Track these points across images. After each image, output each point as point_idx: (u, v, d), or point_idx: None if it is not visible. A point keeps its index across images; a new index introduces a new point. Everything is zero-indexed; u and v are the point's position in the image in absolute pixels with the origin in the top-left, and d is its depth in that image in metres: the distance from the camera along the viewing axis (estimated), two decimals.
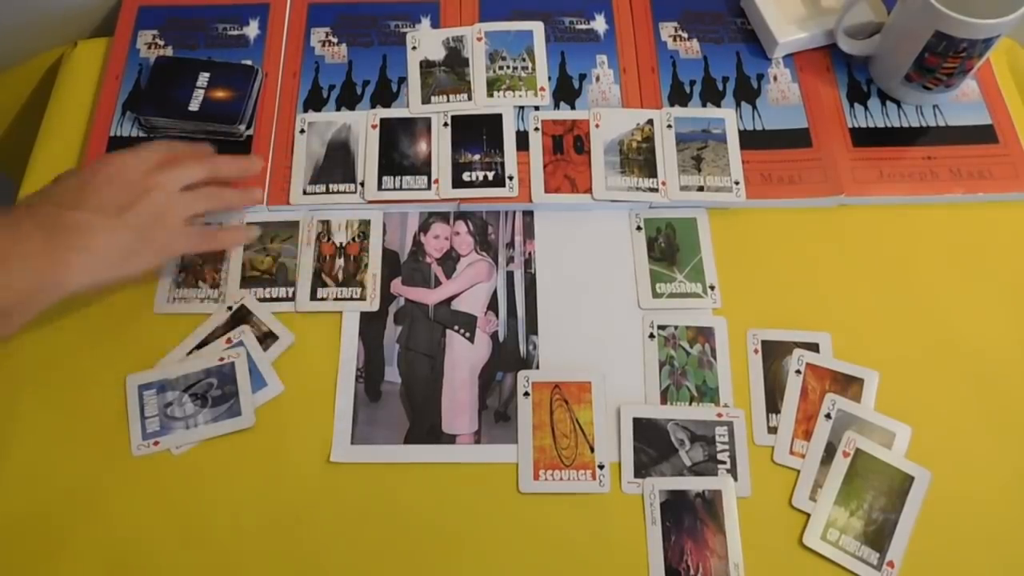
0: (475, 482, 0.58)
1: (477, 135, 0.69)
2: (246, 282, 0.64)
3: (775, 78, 0.72)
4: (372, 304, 0.64)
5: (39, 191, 0.56)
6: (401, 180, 0.67)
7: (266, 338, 0.62)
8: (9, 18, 0.76)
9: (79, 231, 0.52)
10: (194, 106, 0.68)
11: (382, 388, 0.61)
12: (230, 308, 0.63)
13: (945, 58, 0.64)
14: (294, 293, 0.64)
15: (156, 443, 0.58)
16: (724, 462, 0.58)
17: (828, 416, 0.59)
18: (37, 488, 0.57)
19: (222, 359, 0.61)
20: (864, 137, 0.69)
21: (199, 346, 0.62)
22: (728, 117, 0.70)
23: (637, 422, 0.59)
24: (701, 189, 0.67)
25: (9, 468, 0.58)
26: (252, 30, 0.74)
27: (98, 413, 0.60)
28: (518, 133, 0.69)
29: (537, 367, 0.62)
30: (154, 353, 0.61)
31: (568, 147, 0.69)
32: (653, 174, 0.67)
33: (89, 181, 0.55)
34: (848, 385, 0.61)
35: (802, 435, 0.59)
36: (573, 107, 0.71)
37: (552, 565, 0.56)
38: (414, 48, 0.73)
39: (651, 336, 0.63)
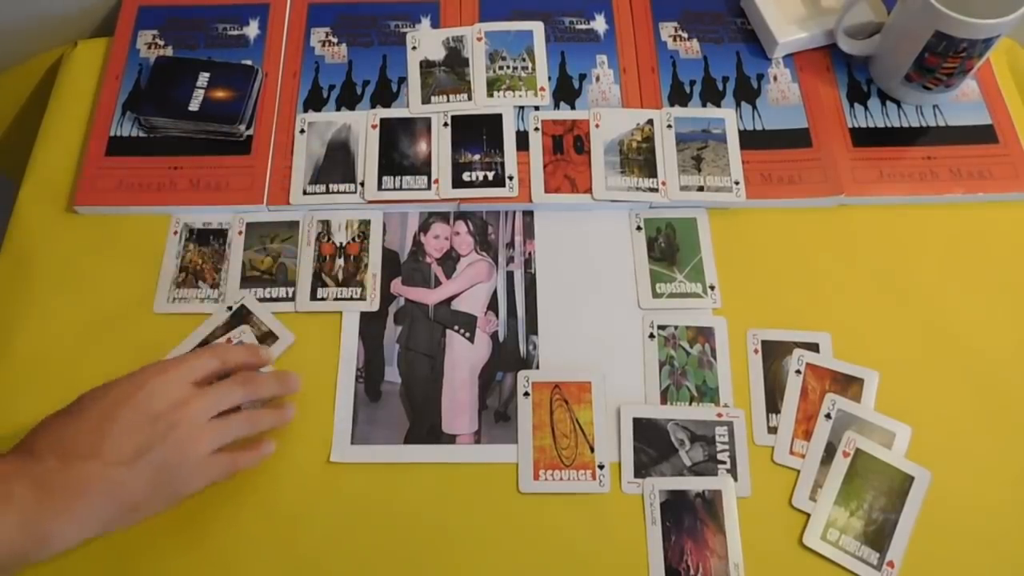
0: (475, 482, 0.58)
1: (477, 135, 0.69)
2: (246, 282, 0.64)
3: (775, 78, 0.72)
4: (372, 304, 0.64)
5: (53, 426, 0.49)
6: (401, 180, 0.67)
7: (266, 338, 0.62)
8: (9, 18, 0.76)
9: (77, 491, 0.46)
10: (194, 106, 0.68)
11: (382, 388, 0.61)
12: (230, 308, 0.63)
13: (945, 58, 0.64)
14: (294, 293, 0.64)
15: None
16: (724, 462, 0.58)
17: (828, 416, 0.59)
18: None
19: None
20: (864, 137, 0.69)
21: (199, 346, 0.62)
22: (728, 117, 0.70)
23: (637, 422, 0.59)
24: (701, 189, 0.67)
25: None
26: (252, 30, 0.74)
27: None
28: (518, 133, 0.69)
29: (537, 367, 0.62)
30: (154, 353, 0.61)
31: (568, 147, 0.69)
32: (653, 174, 0.67)
33: (111, 416, 0.48)
34: (848, 385, 0.61)
35: (802, 435, 0.59)
36: (573, 107, 0.71)
37: (552, 565, 0.56)
38: (414, 48, 0.73)
39: (651, 336, 0.63)
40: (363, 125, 0.70)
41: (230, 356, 0.55)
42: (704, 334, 0.63)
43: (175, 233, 0.66)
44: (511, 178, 0.67)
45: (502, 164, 0.68)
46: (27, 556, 0.45)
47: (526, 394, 0.60)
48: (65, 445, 0.47)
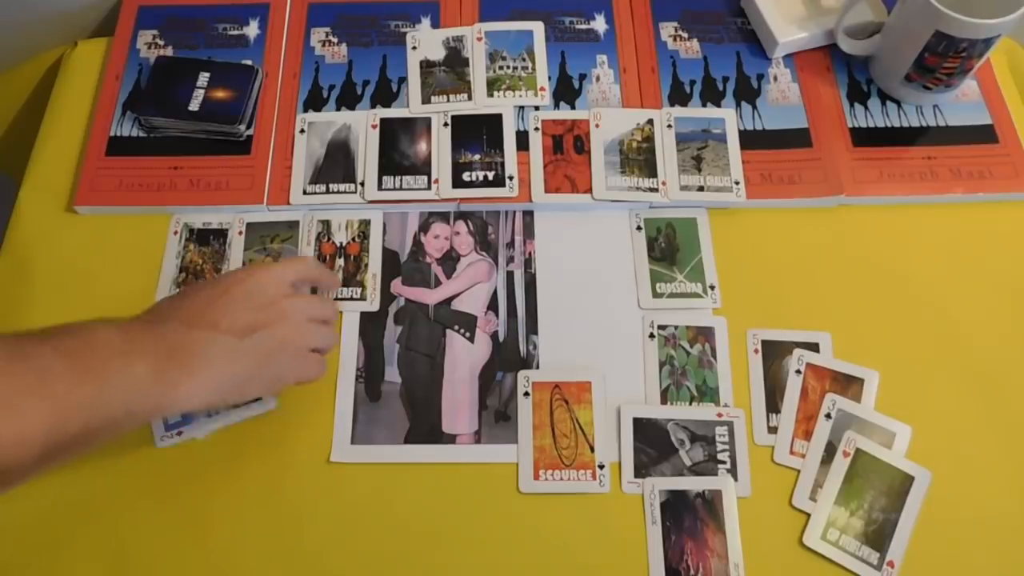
0: (475, 482, 0.58)
1: (477, 135, 0.69)
2: None
3: (775, 78, 0.72)
4: (372, 304, 0.64)
5: (174, 300, 0.53)
6: (401, 180, 0.67)
7: None
8: (9, 18, 0.76)
9: (197, 354, 0.49)
10: (194, 106, 0.68)
11: (382, 388, 0.61)
12: None
13: (945, 58, 0.64)
14: None
15: (179, 432, 0.58)
16: (724, 462, 0.58)
17: (828, 416, 0.59)
18: (41, 489, 0.57)
19: None
20: (864, 137, 0.69)
21: None
22: (728, 117, 0.70)
23: (637, 422, 0.59)
24: (701, 189, 0.67)
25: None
26: (252, 30, 0.74)
27: None
28: (518, 133, 0.69)
29: (537, 367, 0.62)
30: None
31: (568, 147, 0.69)
32: (653, 174, 0.67)
33: (225, 293, 0.52)
34: (848, 385, 0.61)
35: (802, 435, 0.59)
36: (573, 107, 0.71)
37: (552, 565, 0.56)
38: (414, 48, 0.73)
39: (651, 336, 0.63)
40: (363, 125, 0.70)
41: (317, 274, 0.59)
42: (704, 334, 0.63)
43: (175, 233, 0.66)
44: (511, 178, 0.67)
45: (502, 164, 0.68)
46: (159, 406, 0.48)
47: (526, 394, 0.60)
48: (183, 314, 0.51)
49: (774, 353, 0.62)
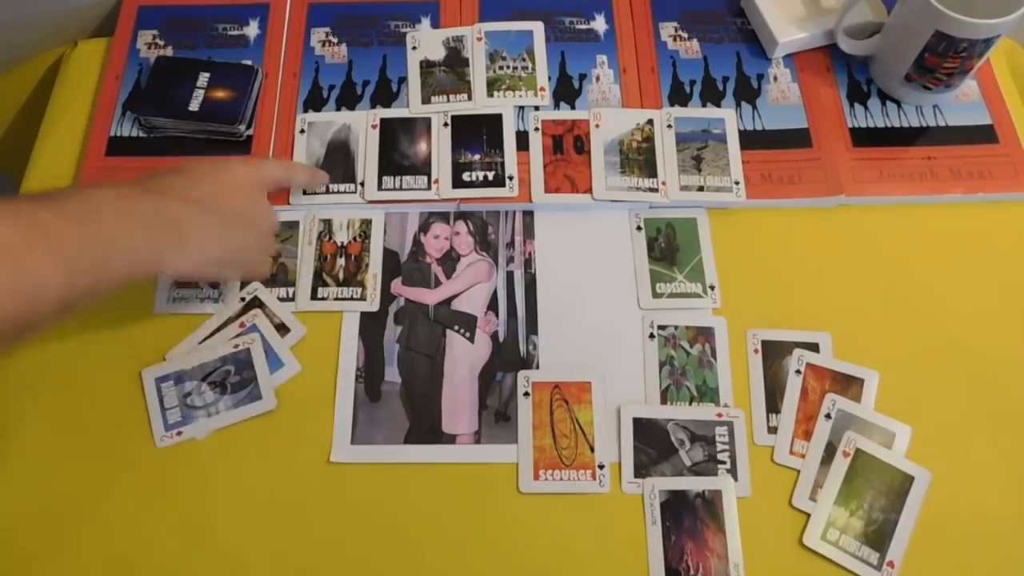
0: (475, 482, 0.58)
1: (477, 135, 0.69)
2: (246, 282, 0.64)
3: (775, 78, 0.72)
4: (372, 304, 0.64)
5: (166, 173, 0.56)
6: (401, 180, 0.67)
7: (279, 329, 0.62)
8: (9, 18, 0.76)
9: (187, 228, 0.53)
10: (194, 106, 0.68)
11: (382, 388, 0.61)
12: (243, 299, 0.63)
13: (945, 58, 0.64)
14: (294, 293, 0.64)
15: (179, 433, 0.59)
16: (724, 462, 0.58)
17: (828, 416, 0.59)
18: (41, 489, 0.57)
19: (237, 346, 0.61)
20: (864, 137, 0.69)
21: (201, 344, 0.62)
22: (728, 117, 0.70)
23: (637, 422, 0.59)
24: (701, 189, 0.67)
25: (12, 471, 0.58)
26: (252, 30, 0.74)
27: (101, 413, 0.60)
28: (518, 133, 0.69)
29: (537, 367, 0.62)
30: (155, 353, 0.61)
31: (568, 147, 0.69)
32: (653, 174, 0.67)
33: (216, 179, 0.56)
34: (848, 385, 0.61)
35: (802, 435, 0.59)
36: (573, 107, 0.71)
37: (552, 565, 0.56)
38: (414, 48, 0.73)
39: (651, 336, 0.63)
40: (363, 125, 0.70)
41: (294, 174, 0.65)
42: (704, 334, 0.63)
43: None
44: (511, 178, 0.67)
45: (502, 164, 0.68)
46: (151, 271, 0.52)
47: (526, 394, 0.60)
48: (178, 190, 0.54)
49: (774, 353, 0.62)
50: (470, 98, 0.71)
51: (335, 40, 0.74)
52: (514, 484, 0.58)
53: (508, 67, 0.72)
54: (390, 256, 0.66)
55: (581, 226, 0.67)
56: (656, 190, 0.67)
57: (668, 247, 0.66)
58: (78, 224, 0.47)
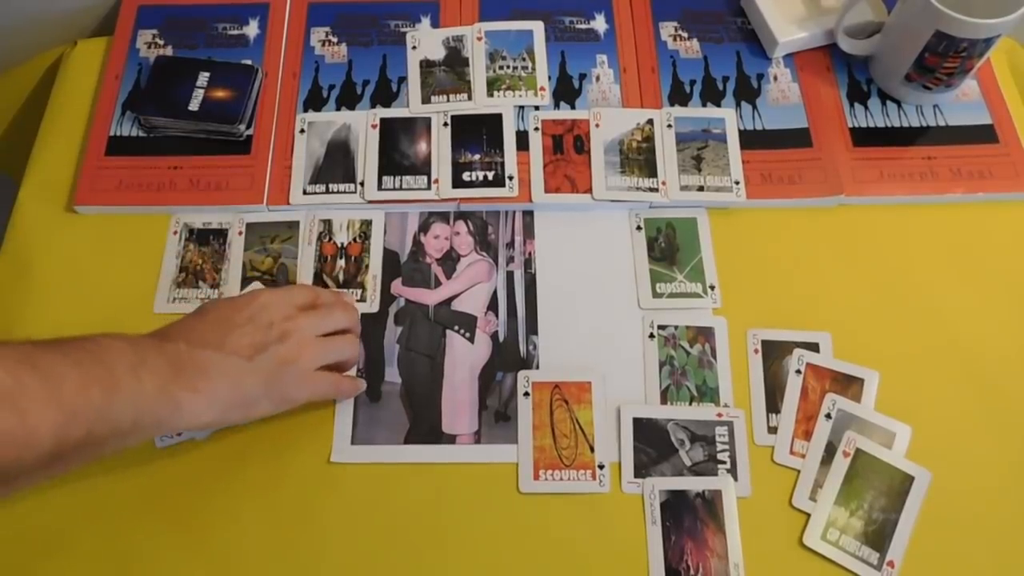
0: (475, 482, 0.58)
1: (477, 135, 0.69)
2: (246, 282, 0.64)
3: (775, 78, 0.72)
4: (372, 305, 0.64)
5: (181, 322, 0.54)
6: (401, 180, 0.67)
7: None
8: (9, 18, 0.76)
9: (204, 373, 0.50)
10: (194, 106, 0.68)
11: (382, 388, 0.61)
12: None
13: (945, 58, 0.64)
14: None
15: (179, 433, 0.58)
16: (724, 462, 0.58)
17: (828, 416, 0.59)
18: (41, 490, 0.57)
19: None
20: (864, 137, 0.69)
21: None
22: (728, 117, 0.70)
23: (637, 422, 0.59)
24: (701, 189, 0.67)
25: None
26: (252, 30, 0.74)
27: None
28: (518, 133, 0.69)
29: (537, 367, 0.62)
30: None
31: (568, 147, 0.69)
32: (653, 174, 0.67)
33: (231, 318, 0.53)
34: (848, 385, 0.61)
35: (802, 435, 0.59)
36: (573, 107, 0.71)
37: (552, 565, 0.56)
38: (414, 48, 0.73)
39: (651, 336, 0.63)
40: (363, 125, 0.70)
41: (323, 297, 0.60)
42: (704, 334, 0.63)
43: (175, 233, 0.66)
44: (511, 178, 0.67)
45: (502, 164, 0.68)
46: (165, 422, 0.49)
47: (526, 394, 0.60)
48: (192, 335, 0.52)
49: (774, 353, 0.62)
50: (470, 98, 0.71)
51: (335, 40, 0.74)
52: (514, 484, 0.58)
53: (508, 67, 0.72)
54: (390, 256, 0.66)
55: (581, 226, 0.67)
56: (656, 190, 0.67)
57: (668, 247, 0.66)
58: (79, 367, 0.44)
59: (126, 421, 0.46)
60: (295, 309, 0.56)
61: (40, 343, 0.45)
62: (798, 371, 0.61)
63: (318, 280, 0.64)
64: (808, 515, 0.57)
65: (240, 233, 0.66)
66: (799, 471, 0.58)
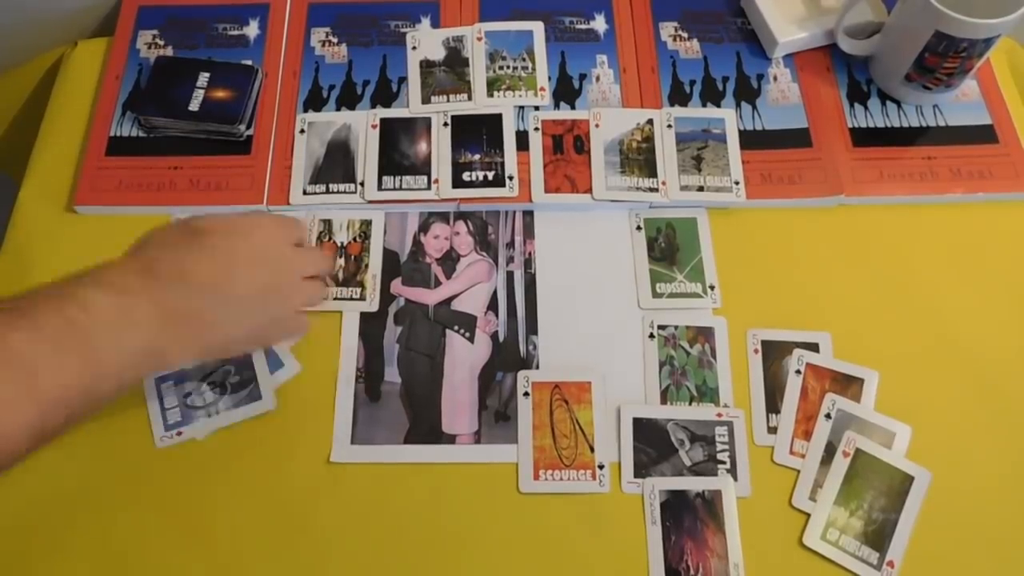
0: (475, 482, 0.58)
1: (477, 135, 0.69)
2: None
3: (775, 78, 0.72)
4: (372, 304, 0.64)
5: (176, 246, 0.49)
6: (401, 180, 0.67)
7: None
8: (9, 18, 0.76)
9: (199, 321, 0.47)
10: (194, 106, 0.68)
11: (382, 388, 0.61)
12: None
13: (945, 58, 0.64)
14: None
15: (179, 433, 0.59)
16: (724, 462, 0.58)
17: (828, 416, 0.59)
18: (41, 490, 0.57)
19: None
20: (864, 137, 0.69)
21: None
22: (728, 117, 0.70)
23: (637, 422, 0.59)
24: (701, 189, 0.67)
25: (12, 471, 0.58)
26: (252, 30, 0.74)
27: (101, 413, 0.59)
28: (518, 133, 0.69)
29: (537, 367, 0.62)
30: None
31: (568, 147, 0.69)
32: (653, 174, 0.67)
33: (235, 249, 0.50)
34: (848, 385, 0.61)
35: (802, 435, 0.59)
36: (573, 107, 0.71)
37: (552, 565, 0.56)
38: (414, 48, 0.73)
39: (651, 336, 0.63)
40: (363, 125, 0.70)
41: (306, 235, 0.59)
42: (704, 334, 0.63)
43: None
44: (511, 178, 0.67)
45: (502, 164, 0.68)
46: (146, 375, 0.49)
47: (526, 394, 0.60)
48: (190, 272, 0.48)
49: (774, 353, 0.62)
50: (470, 98, 0.71)
51: (335, 40, 0.74)
52: (514, 484, 0.58)
53: (508, 67, 0.72)
54: (390, 256, 0.66)
55: (581, 226, 0.67)
56: (656, 190, 0.67)
57: (668, 247, 0.66)
58: (53, 344, 0.41)
59: (110, 389, 0.44)
60: (291, 247, 0.54)
61: (11, 311, 0.42)
62: (798, 371, 0.61)
63: None
64: (808, 515, 0.57)
65: None
66: (799, 471, 0.58)
